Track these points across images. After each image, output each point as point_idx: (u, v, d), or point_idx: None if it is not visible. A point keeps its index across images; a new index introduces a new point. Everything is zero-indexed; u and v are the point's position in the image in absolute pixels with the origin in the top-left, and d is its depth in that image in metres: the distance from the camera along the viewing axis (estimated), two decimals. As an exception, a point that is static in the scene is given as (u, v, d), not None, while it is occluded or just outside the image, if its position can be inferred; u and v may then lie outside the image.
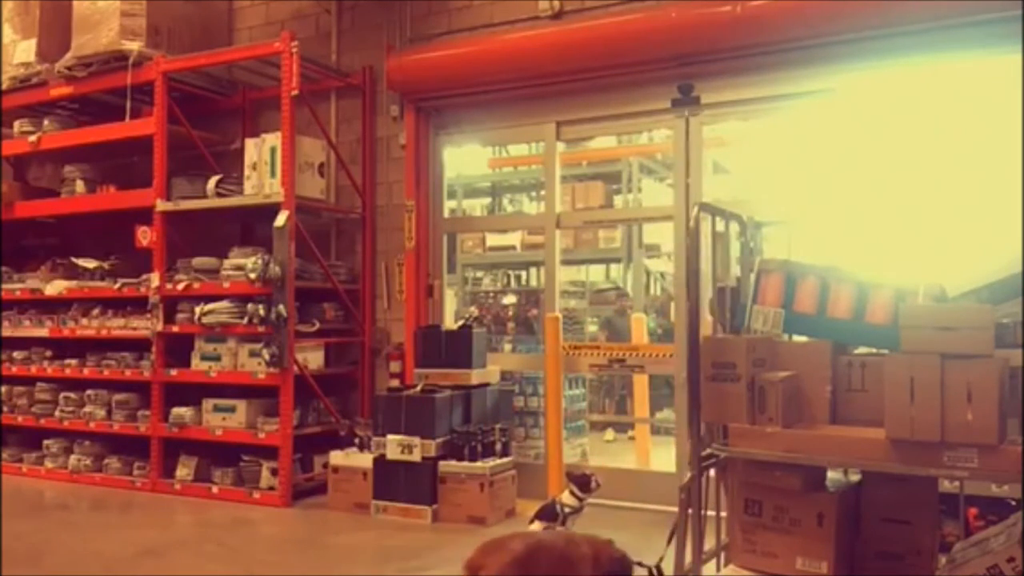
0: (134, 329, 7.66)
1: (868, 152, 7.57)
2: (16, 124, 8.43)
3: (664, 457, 8.20)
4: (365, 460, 6.58)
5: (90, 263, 8.16)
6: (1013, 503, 3.90)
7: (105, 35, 7.48)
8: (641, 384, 8.47)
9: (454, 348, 6.76)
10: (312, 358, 7.32)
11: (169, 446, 7.51)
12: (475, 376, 6.74)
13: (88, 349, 8.06)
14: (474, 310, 7.92)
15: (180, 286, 7.33)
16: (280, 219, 6.81)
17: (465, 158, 8.34)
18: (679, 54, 6.24)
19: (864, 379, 3.05)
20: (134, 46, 7.42)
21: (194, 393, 7.36)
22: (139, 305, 7.63)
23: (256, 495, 6.96)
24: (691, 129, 6.56)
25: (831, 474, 3.23)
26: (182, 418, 7.30)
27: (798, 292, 3.19)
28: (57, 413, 8.04)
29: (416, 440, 6.32)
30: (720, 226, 4.00)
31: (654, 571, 3.65)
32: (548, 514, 5.66)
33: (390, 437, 6.41)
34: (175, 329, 7.42)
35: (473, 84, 6.99)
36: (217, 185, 7.29)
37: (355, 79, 7.70)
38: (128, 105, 7.63)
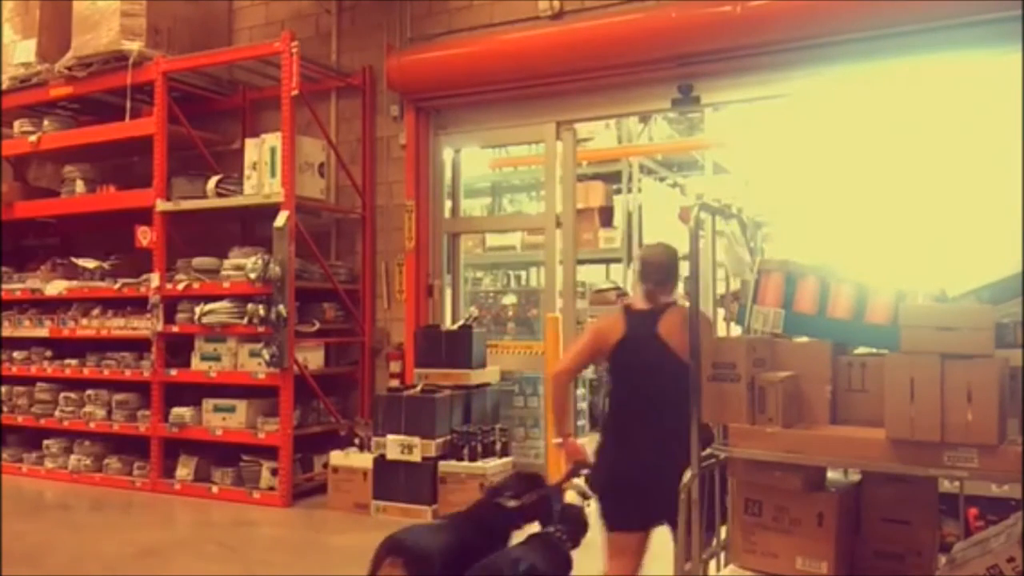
0: (134, 329, 7.66)
1: (867, 152, 7.57)
2: (16, 124, 8.43)
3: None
4: (365, 460, 6.58)
5: (90, 263, 8.16)
6: (1013, 503, 3.90)
7: (105, 35, 7.48)
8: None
9: (454, 348, 6.76)
10: (312, 358, 7.32)
11: (169, 446, 7.51)
12: (475, 376, 6.75)
13: (88, 349, 8.06)
14: (474, 310, 7.90)
15: (180, 286, 7.33)
16: (280, 219, 6.81)
17: (465, 159, 8.31)
18: (679, 54, 6.24)
19: (864, 379, 3.04)
20: (134, 46, 7.42)
21: (194, 393, 7.36)
22: (139, 305, 7.63)
23: (256, 495, 6.96)
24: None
25: (831, 474, 3.22)
26: (182, 418, 7.29)
27: (798, 292, 3.18)
28: (57, 413, 8.04)
29: (416, 440, 6.32)
30: (720, 226, 4.00)
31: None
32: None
33: (390, 437, 6.41)
34: (175, 329, 7.42)
35: (473, 84, 6.99)
36: (217, 185, 7.29)
37: (355, 79, 7.70)
38: (128, 105, 7.64)
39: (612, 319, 3.84)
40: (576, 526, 3.98)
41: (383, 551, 3.60)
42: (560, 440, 4.02)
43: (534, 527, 4.03)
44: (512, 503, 3.90)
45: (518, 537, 3.96)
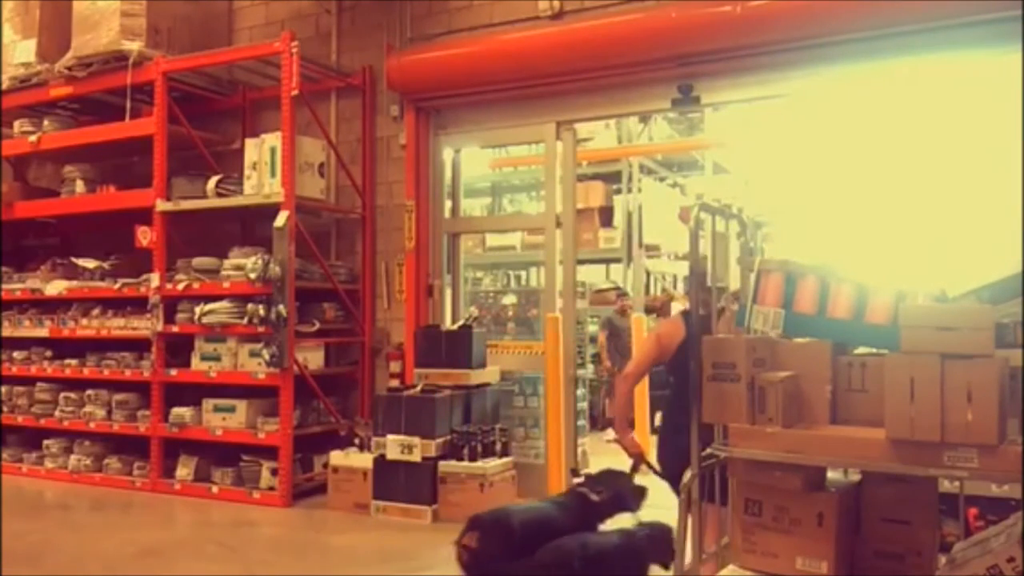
0: (134, 329, 7.66)
1: (867, 152, 7.57)
2: (16, 124, 8.43)
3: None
4: (365, 460, 6.58)
5: (90, 263, 8.16)
6: (1013, 503, 3.90)
7: (105, 35, 7.48)
8: (640, 385, 8.48)
9: (454, 348, 6.76)
10: (312, 358, 7.32)
11: (169, 446, 7.51)
12: (475, 376, 6.75)
13: (88, 349, 8.06)
14: (474, 310, 7.90)
15: (180, 286, 7.33)
16: (280, 219, 6.81)
17: (465, 159, 8.33)
18: (679, 54, 6.24)
19: (864, 379, 3.04)
20: (134, 46, 7.42)
21: (194, 393, 7.36)
22: (139, 305, 7.63)
23: (256, 495, 6.96)
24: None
25: (831, 474, 3.22)
26: (182, 418, 7.29)
27: (798, 292, 3.18)
28: (57, 413, 8.04)
29: (416, 440, 6.32)
30: (720, 226, 4.00)
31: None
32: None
33: (390, 437, 6.41)
34: (175, 329, 7.41)
35: (473, 84, 6.99)
36: (217, 185, 7.29)
37: (355, 79, 7.70)
38: (128, 105, 7.64)
39: (673, 324, 4.19)
40: (663, 547, 4.12)
41: (468, 524, 4.01)
42: (619, 436, 4.32)
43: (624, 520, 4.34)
44: (594, 496, 4.25)
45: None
